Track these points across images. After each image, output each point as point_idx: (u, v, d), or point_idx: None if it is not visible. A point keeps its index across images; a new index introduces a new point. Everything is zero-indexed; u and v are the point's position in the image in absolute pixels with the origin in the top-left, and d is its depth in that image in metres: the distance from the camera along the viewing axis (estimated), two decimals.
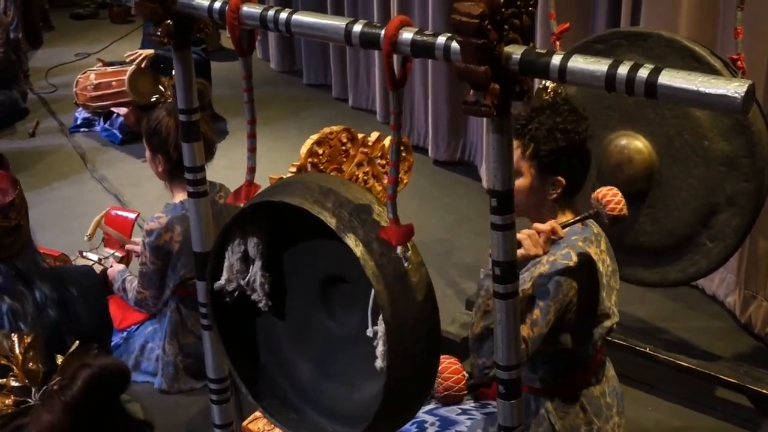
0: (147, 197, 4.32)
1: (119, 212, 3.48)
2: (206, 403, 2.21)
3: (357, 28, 1.47)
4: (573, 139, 2.11)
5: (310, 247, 1.70)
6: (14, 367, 1.30)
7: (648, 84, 1.22)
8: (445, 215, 4.29)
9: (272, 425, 2.73)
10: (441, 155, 4.80)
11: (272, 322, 1.82)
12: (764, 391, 2.79)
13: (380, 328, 1.54)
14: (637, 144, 2.83)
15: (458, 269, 3.75)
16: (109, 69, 5.25)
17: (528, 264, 2.10)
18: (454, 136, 4.76)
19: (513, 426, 1.56)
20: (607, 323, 2.17)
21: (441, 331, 1.65)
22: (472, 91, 1.34)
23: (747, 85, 1.15)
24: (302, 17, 1.56)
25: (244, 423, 2.77)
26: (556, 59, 1.29)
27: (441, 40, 1.38)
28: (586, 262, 2.09)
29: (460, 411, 2.39)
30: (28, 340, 1.33)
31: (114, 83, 5.09)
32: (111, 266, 3.25)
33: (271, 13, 1.59)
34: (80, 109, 5.39)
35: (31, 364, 1.31)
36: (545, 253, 2.04)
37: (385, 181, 2.64)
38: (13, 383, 1.30)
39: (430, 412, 2.37)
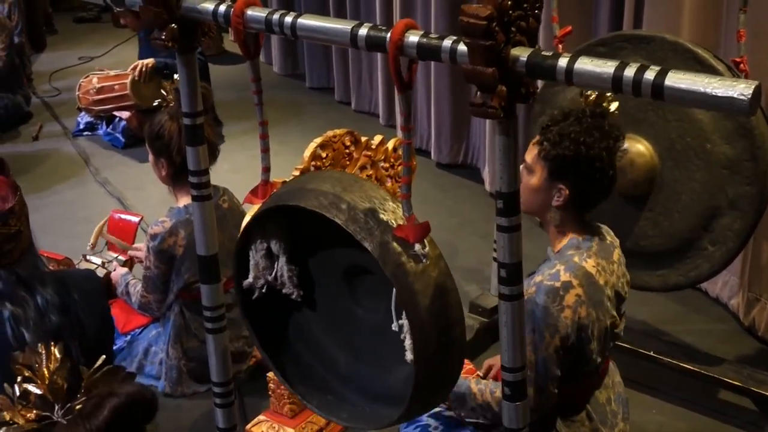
0: (150, 201, 4.33)
1: (122, 216, 3.48)
2: (210, 407, 2.21)
3: (363, 31, 1.48)
4: (580, 150, 2.04)
5: (329, 241, 1.72)
6: (38, 381, 1.29)
7: (655, 86, 1.22)
8: (447, 218, 4.29)
9: (276, 429, 2.74)
10: (444, 158, 4.81)
11: (302, 312, 1.86)
12: None
13: (405, 322, 1.57)
14: (638, 147, 2.83)
15: (461, 272, 3.75)
16: (112, 73, 5.26)
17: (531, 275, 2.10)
18: (456, 139, 4.77)
19: (518, 428, 1.56)
20: (615, 331, 2.17)
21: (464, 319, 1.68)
22: (478, 92, 1.35)
23: (754, 87, 1.16)
24: (308, 21, 1.56)
25: (248, 426, 2.78)
26: (563, 61, 1.29)
27: (447, 42, 1.39)
28: (580, 276, 2.05)
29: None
30: (56, 354, 1.32)
31: (116, 87, 5.09)
32: (114, 270, 3.26)
33: (276, 16, 1.59)
34: (83, 113, 5.40)
35: (57, 379, 1.30)
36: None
37: (389, 185, 2.66)
38: (36, 391, 1.29)
39: (433, 416, 2.37)
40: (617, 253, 2.19)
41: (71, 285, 2.24)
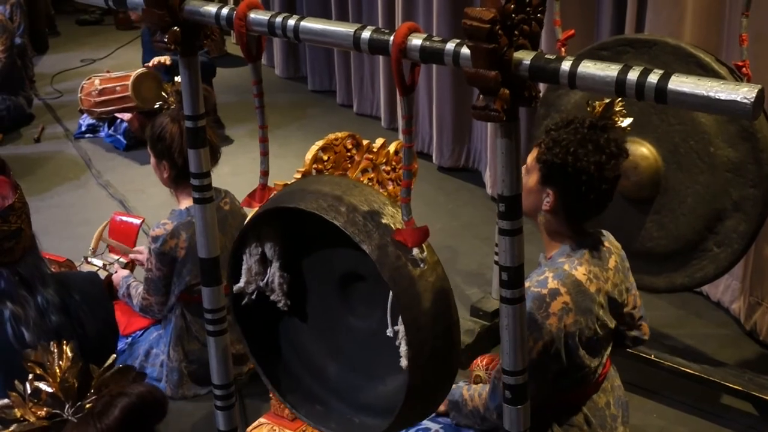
0: (151, 203, 4.33)
1: (124, 219, 3.48)
2: (211, 410, 2.20)
3: (366, 34, 1.48)
4: (567, 160, 2.02)
5: (326, 247, 1.72)
6: (49, 379, 1.29)
7: (658, 89, 1.22)
8: (449, 221, 4.29)
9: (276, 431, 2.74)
10: (445, 161, 4.81)
11: (295, 320, 1.86)
12: None
13: (400, 328, 1.56)
14: (642, 150, 2.84)
15: (462, 275, 3.75)
16: (114, 74, 5.26)
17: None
18: (458, 143, 4.77)
19: (519, 431, 1.56)
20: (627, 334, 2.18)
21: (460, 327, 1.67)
22: (481, 96, 1.34)
23: (757, 90, 1.16)
24: (310, 24, 1.56)
25: (248, 429, 2.77)
26: (566, 65, 1.29)
27: (450, 46, 1.38)
28: (568, 284, 2.04)
29: None
30: (68, 353, 1.33)
31: (118, 88, 5.10)
32: (116, 272, 3.25)
33: (278, 19, 1.59)
34: (85, 115, 5.40)
35: (69, 378, 1.30)
36: None
37: (390, 188, 2.65)
38: (48, 389, 1.29)
39: (434, 420, 2.37)
40: (614, 260, 2.18)
41: (72, 286, 2.24)
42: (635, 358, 2.94)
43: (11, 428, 1.27)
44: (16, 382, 1.32)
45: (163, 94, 3.07)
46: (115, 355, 1.39)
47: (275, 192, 1.80)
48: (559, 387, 2.13)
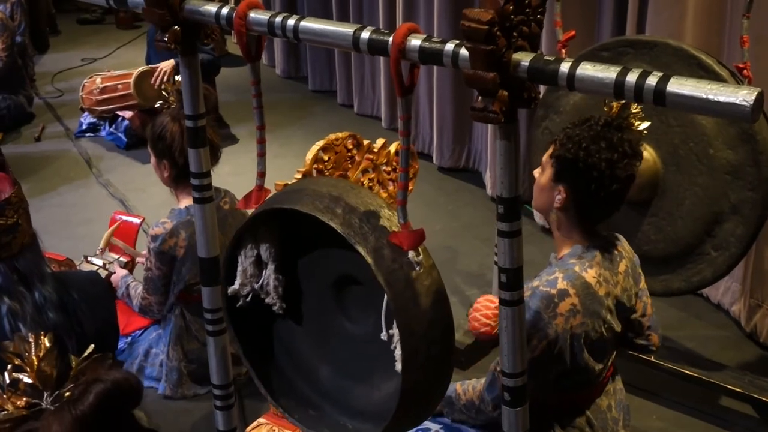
0: (152, 202, 4.33)
1: (124, 218, 3.48)
2: (210, 409, 2.21)
3: (365, 35, 1.48)
4: (579, 155, 2.03)
5: (322, 249, 1.71)
6: (27, 369, 1.30)
7: (657, 91, 1.22)
8: (449, 222, 4.29)
9: None
10: (446, 162, 4.81)
11: (289, 323, 1.85)
12: None
13: (395, 332, 1.55)
14: (643, 152, 2.83)
15: (462, 276, 3.75)
16: (116, 73, 5.26)
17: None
18: (458, 143, 4.76)
19: None
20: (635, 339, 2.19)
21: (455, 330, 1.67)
22: (480, 97, 1.34)
23: (756, 93, 1.15)
24: (310, 24, 1.56)
25: (248, 429, 2.77)
26: (565, 66, 1.29)
27: (449, 47, 1.38)
28: (577, 285, 2.04)
29: None
30: (45, 343, 1.33)
31: (120, 86, 5.10)
32: (115, 272, 3.25)
33: (278, 19, 1.59)
34: (86, 114, 5.40)
35: (45, 367, 1.31)
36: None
37: (390, 188, 2.65)
38: (26, 380, 1.30)
39: (434, 420, 2.36)
40: (624, 264, 2.17)
41: (71, 285, 2.24)
42: (635, 360, 2.94)
43: None
44: None
45: (164, 93, 3.07)
46: (93, 345, 1.39)
47: (272, 193, 1.79)
48: (562, 388, 2.13)
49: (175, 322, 3.06)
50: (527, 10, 1.33)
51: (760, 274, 3.23)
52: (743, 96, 1.16)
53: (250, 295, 1.80)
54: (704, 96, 1.19)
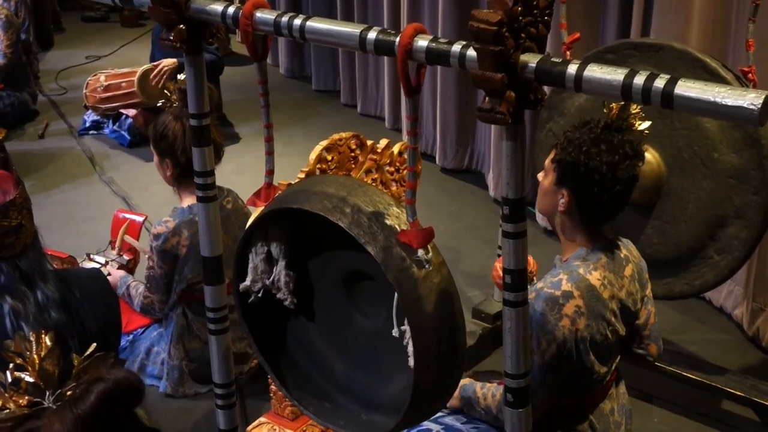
0: (154, 201, 4.33)
1: (127, 216, 3.48)
2: (211, 408, 2.20)
3: (372, 35, 1.47)
4: (580, 159, 2.03)
5: (332, 245, 1.72)
6: (29, 368, 1.30)
7: (664, 94, 1.22)
8: (452, 223, 4.29)
9: (277, 431, 2.73)
10: (449, 163, 4.80)
11: (301, 318, 1.86)
12: None
13: (407, 328, 1.56)
14: (645, 155, 2.82)
15: (465, 277, 3.75)
16: (119, 71, 5.26)
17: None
18: (461, 144, 4.76)
19: None
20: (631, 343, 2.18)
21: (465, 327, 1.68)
22: (487, 98, 1.34)
23: (764, 97, 1.15)
24: (316, 24, 1.56)
25: (249, 428, 2.77)
26: (572, 68, 1.29)
27: (456, 47, 1.38)
28: (582, 287, 2.03)
29: (465, 419, 2.39)
30: (46, 342, 1.33)
31: (124, 84, 5.10)
32: (109, 274, 3.23)
33: (284, 19, 1.59)
34: (89, 111, 5.41)
35: (47, 366, 1.30)
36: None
37: (394, 188, 2.65)
38: (28, 379, 1.30)
39: (435, 421, 2.36)
40: (630, 268, 2.17)
41: (73, 283, 2.23)
42: (637, 363, 2.93)
43: None
44: None
45: (166, 92, 3.07)
46: (95, 344, 1.39)
47: (280, 191, 1.80)
48: (566, 392, 2.13)
49: (176, 320, 3.06)
50: (535, 11, 1.33)
51: (762, 278, 3.22)
52: (751, 99, 1.16)
53: (262, 291, 1.81)
54: (712, 99, 1.19)
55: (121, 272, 3.22)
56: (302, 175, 2.43)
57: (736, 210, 2.72)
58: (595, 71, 1.28)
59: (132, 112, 5.18)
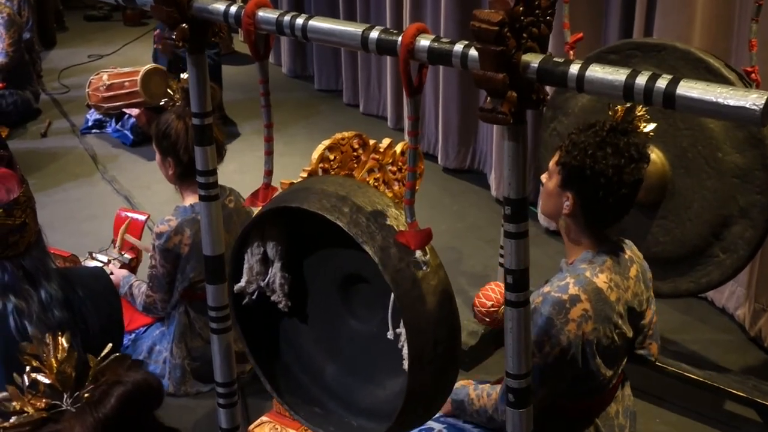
0: (157, 199, 4.33)
1: (129, 214, 3.48)
2: (213, 407, 2.21)
3: (374, 34, 1.47)
4: (585, 162, 2.02)
5: (329, 247, 1.72)
6: (46, 370, 1.30)
7: (666, 94, 1.22)
8: (454, 223, 4.29)
9: (278, 430, 2.74)
10: (451, 163, 4.80)
11: (295, 321, 1.86)
12: None
13: (402, 330, 1.56)
14: (650, 154, 2.82)
15: (467, 277, 3.75)
16: (122, 70, 5.26)
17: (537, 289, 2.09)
18: (464, 144, 4.76)
19: None
20: (634, 345, 2.18)
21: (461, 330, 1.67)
22: (488, 98, 1.34)
23: (766, 97, 1.15)
24: (318, 23, 1.56)
25: (251, 427, 2.77)
26: (574, 68, 1.29)
27: (458, 47, 1.38)
28: (589, 291, 2.03)
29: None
30: (63, 344, 1.33)
31: (126, 83, 5.11)
32: (111, 273, 3.24)
33: (287, 18, 1.59)
34: (92, 110, 5.41)
35: (65, 368, 1.30)
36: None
37: (396, 188, 2.65)
38: (45, 381, 1.30)
39: (437, 420, 2.36)
40: (635, 269, 2.17)
41: (76, 281, 2.24)
42: (638, 363, 2.93)
43: (11, 420, 1.27)
44: (15, 374, 1.33)
45: (169, 91, 3.07)
46: (111, 345, 1.39)
47: (279, 191, 1.79)
48: (571, 395, 2.12)
49: (179, 319, 3.07)
50: (537, 11, 1.33)
51: (765, 279, 3.22)
52: (753, 100, 1.16)
53: (256, 293, 1.80)
54: (714, 99, 1.19)
55: (124, 271, 3.22)
56: (305, 175, 2.43)
57: (741, 209, 2.72)
58: (597, 71, 1.27)
59: (135, 111, 5.18)
